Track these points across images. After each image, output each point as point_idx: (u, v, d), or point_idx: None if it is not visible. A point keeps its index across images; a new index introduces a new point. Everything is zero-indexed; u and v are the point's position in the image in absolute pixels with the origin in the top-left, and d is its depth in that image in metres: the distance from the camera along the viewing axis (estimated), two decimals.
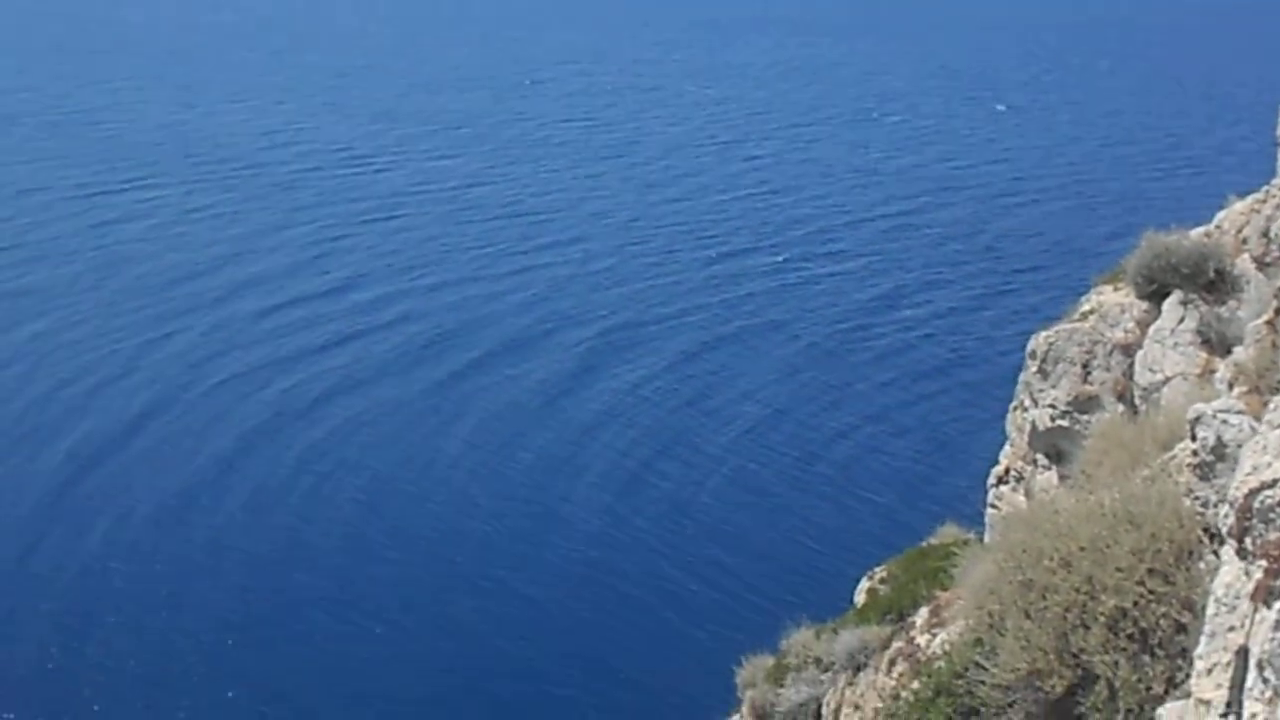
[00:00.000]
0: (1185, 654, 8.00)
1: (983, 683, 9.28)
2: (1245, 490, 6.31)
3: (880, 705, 13.97)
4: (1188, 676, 7.32)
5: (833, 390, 69.54)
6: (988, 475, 19.57)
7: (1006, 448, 19.07)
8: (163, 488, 58.90)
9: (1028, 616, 8.90)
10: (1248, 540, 6.30)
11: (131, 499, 57.89)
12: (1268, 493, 6.20)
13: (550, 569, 55.39)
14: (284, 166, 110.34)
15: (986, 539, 17.34)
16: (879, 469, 61.81)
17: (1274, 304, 10.88)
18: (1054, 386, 17.72)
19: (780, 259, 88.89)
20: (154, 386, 68.43)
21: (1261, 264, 15.50)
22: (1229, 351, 14.53)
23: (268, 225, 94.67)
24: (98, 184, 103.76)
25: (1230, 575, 6.51)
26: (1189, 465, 8.71)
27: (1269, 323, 10.62)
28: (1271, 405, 6.85)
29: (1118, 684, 8.28)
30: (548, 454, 63.40)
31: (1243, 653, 6.31)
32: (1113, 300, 17.66)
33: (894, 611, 16.06)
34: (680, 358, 73.74)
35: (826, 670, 16.10)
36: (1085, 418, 17.16)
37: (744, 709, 16.18)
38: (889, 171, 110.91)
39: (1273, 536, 6.12)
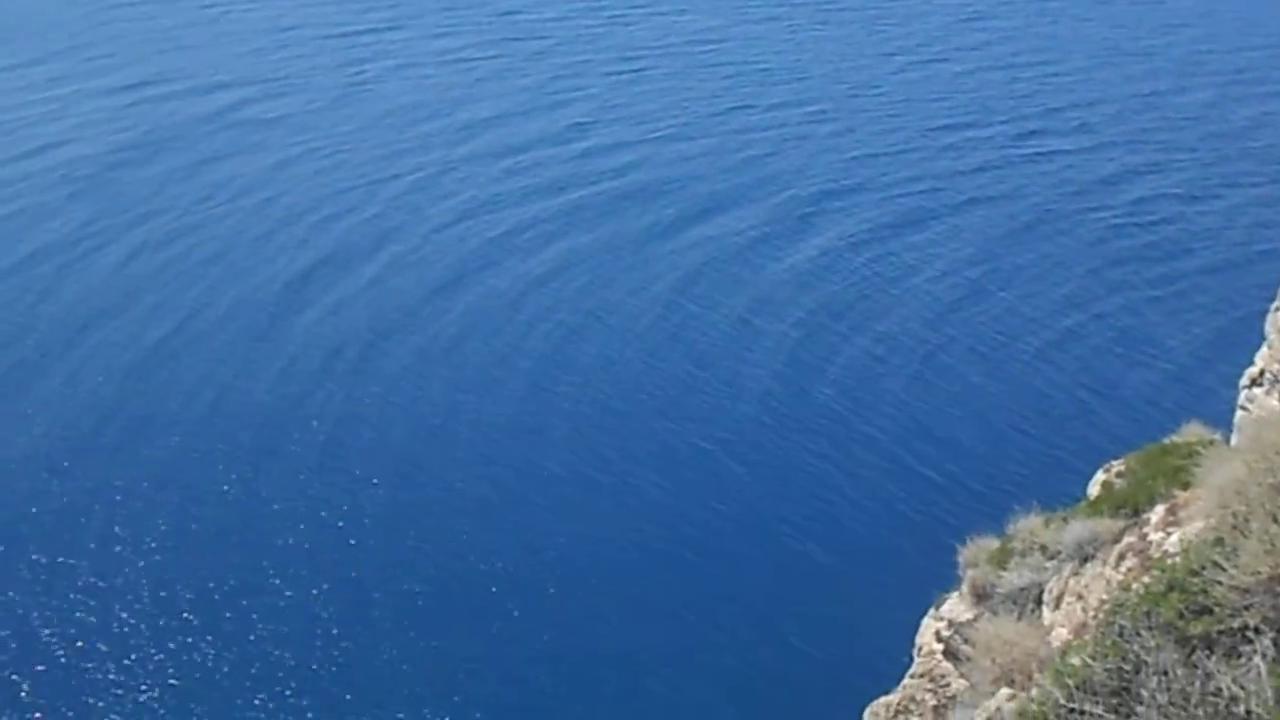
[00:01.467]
0: None
1: (1219, 583, 9.14)
2: None
3: (1105, 597, 13.86)
4: None
5: (1078, 278, 67.34)
6: (1240, 376, 18.82)
7: (1263, 349, 18.27)
8: (356, 332, 62.32)
9: (1275, 520, 8.70)
10: None
11: (337, 335, 61.70)
12: None
13: (756, 434, 56.23)
14: (527, 15, 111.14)
15: (1233, 441, 16.79)
16: (1120, 362, 59.89)
17: None
18: None
19: (1009, 133, 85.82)
20: (400, 241, 71.51)
21: None
22: None
23: (504, 69, 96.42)
24: (352, 24, 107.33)
25: None
26: None
27: None
28: None
29: None
30: (737, 318, 63.75)
31: None
32: None
33: (1128, 506, 15.78)
34: (896, 226, 72.63)
35: (1052, 558, 16.01)
36: None
37: (964, 588, 16.27)
38: (1132, 51, 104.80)
39: None
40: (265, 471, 52.56)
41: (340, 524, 49.99)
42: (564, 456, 53.94)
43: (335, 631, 44.29)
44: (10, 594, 45.61)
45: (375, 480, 52.18)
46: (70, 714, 40.31)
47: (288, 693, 42.08)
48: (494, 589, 46.97)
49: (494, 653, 43.93)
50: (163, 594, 45.72)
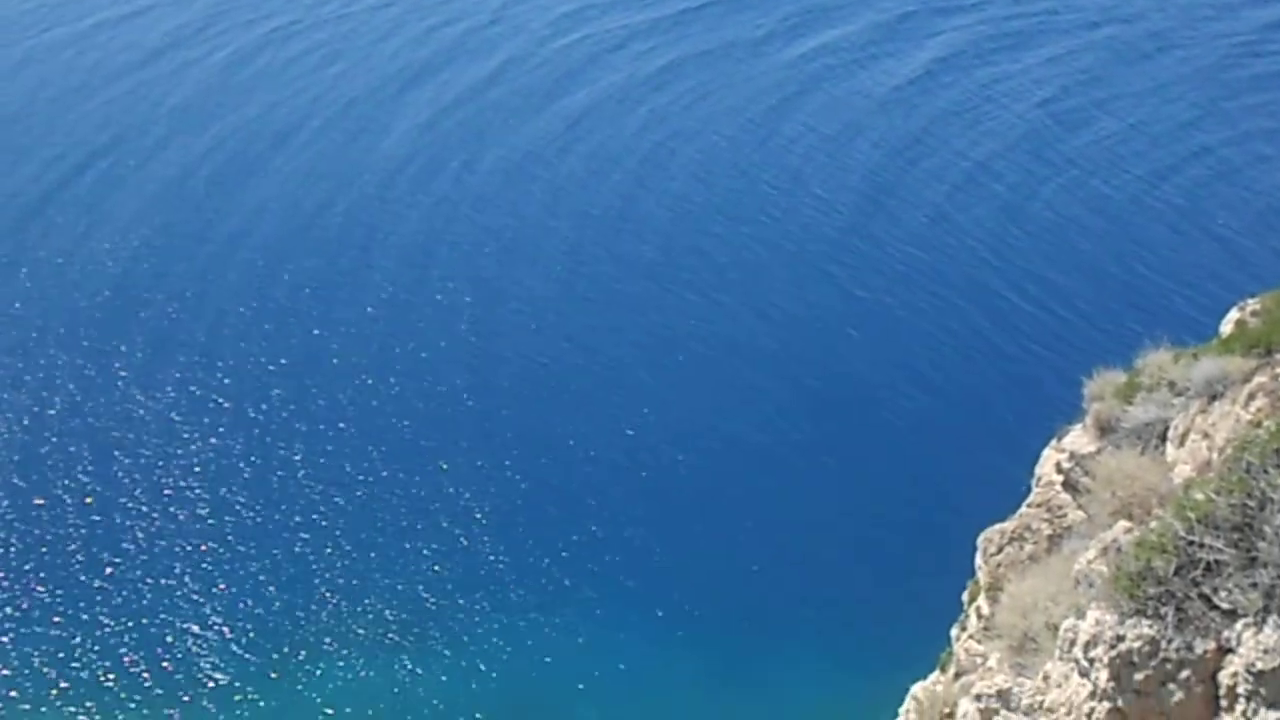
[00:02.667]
0: None
1: None
2: None
3: (1233, 435, 13.81)
4: None
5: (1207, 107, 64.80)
6: None
7: None
8: (511, 140, 62.42)
9: None
10: None
11: (481, 145, 61.96)
12: None
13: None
14: None
15: None
16: (1261, 198, 57.99)
17: None
18: None
19: None
20: (513, 40, 71.19)
21: None
22: None
23: None
24: None
25: None
26: None
27: None
28: None
29: None
30: (887, 144, 62.64)
31: None
32: None
33: (1261, 345, 15.54)
34: (1009, 46, 70.28)
35: (1179, 395, 15.90)
36: None
37: (1088, 420, 16.27)
38: None
39: None
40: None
41: (431, 338, 51.80)
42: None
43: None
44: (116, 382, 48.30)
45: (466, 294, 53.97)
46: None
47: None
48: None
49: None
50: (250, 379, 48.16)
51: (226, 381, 50.88)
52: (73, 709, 39.43)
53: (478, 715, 40.41)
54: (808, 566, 44.98)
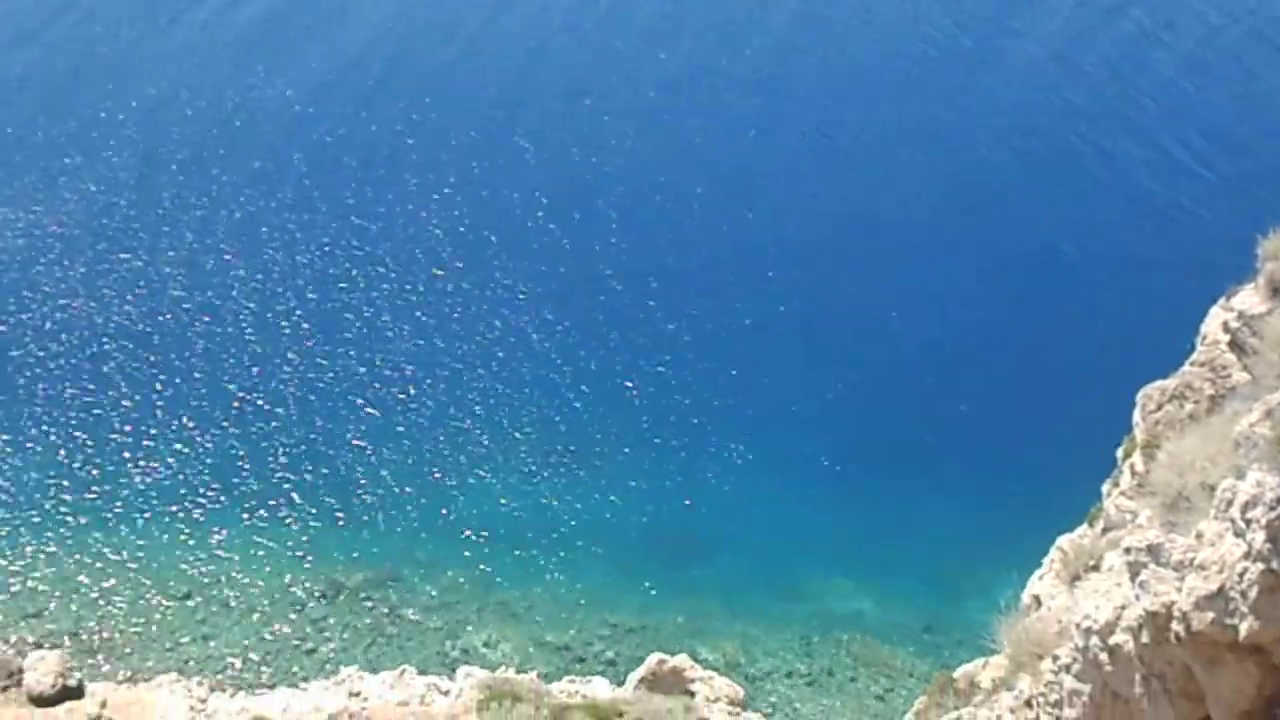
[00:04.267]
0: None
1: None
2: None
3: None
4: None
5: None
6: None
7: None
8: None
9: None
10: None
11: None
12: None
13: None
14: None
15: None
16: None
17: None
18: None
19: None
20: None
21: None
22: None
23: None
24: None
25: None
26: None
27: None
28: None
29: None
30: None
31: None
32: None
33: None
34: None
35: None
36: None
37: (1260, 280, 15.84)
38: None
39: None
40: None
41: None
42: None
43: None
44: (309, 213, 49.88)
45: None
46: None
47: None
48: None
49: None
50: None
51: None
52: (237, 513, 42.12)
53: (622, 533, 42.22)
54: (962, 422, 45.19)
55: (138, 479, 43.90)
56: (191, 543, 42.08)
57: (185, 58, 66.88)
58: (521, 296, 51.64)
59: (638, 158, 59.51)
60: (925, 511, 43.59)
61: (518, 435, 45.83)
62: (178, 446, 45.06)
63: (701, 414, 46.97)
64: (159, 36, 69.10)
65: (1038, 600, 17.66)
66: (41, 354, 48.38)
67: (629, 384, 47.96)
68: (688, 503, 43.86)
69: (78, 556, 41.43)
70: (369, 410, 46.61)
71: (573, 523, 43.11)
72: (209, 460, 44.68)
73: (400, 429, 45.96)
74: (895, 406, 47.52)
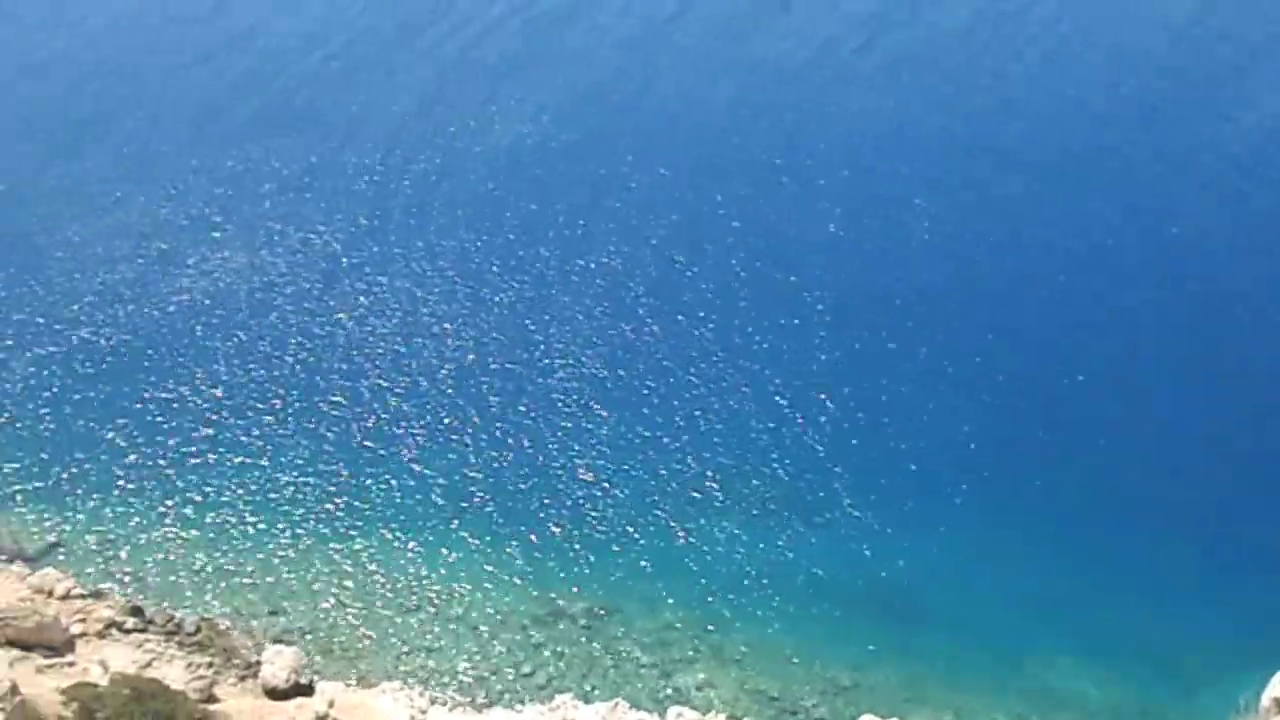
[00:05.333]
0: None
1: None
2: None
3: None
4: None
5: None
6: None
7: None
8: None
9: None
10: None
11: None
12: None
13: None
14: None
15: None
16: None
17: None
18: None
19: None
20: None
21: None
22: None
23: None
24: None
25: None
26: None
27: None
28: None
29: None
30: None
31: None
32: None
33: None
34: None
35: None
36: None
37: None
38: None
39: None
40: None
41: None
42: None
43: None
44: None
45: None
46: None
47: None
48: None
49: None
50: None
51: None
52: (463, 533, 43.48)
53: (843, 589, 41.84)
54: (1219, 490, 43.38)
55: (380, 494, 45.87)
56: (424, 558, 43.68)
57: (424, 91, 70.23)
58: (764, 345, 51.96)
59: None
60: (1164, 586, 41.74)
61: (752, 483, 46.00)
62: (417, 467, 46.88)
63: (930, 472, 46.26)
64: (400, 73, 72.65)
65: None
66: (300, 369, 51.19)
67: (858, 440, 47.62)
68: (902, 563, 43.22)
69: (320, 561, 43.52)
70: (603, 445, 47.56)
71: (795, 574, 42.94)
72: (447, 480, 46.32)
73: (632, 466, 46.73)
74: (1143, 468, 45.81)
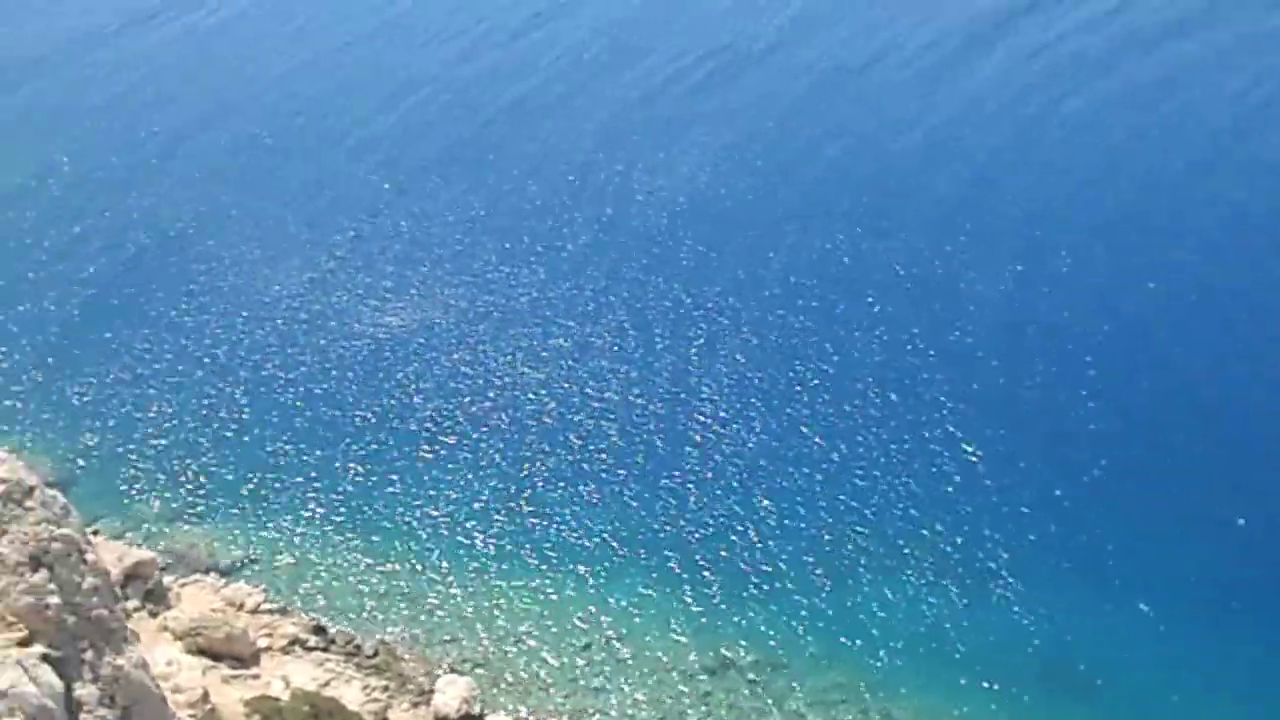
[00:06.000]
0: None
1: None
2: None
3: None
4: None
5: None
6: None
7: None
8: None
9: None
10: None
11: None
12: None
13: None
14: None
15: None
16: None
17: None
18: None
19: None
20: None
21: None
22: None
23: None
24: None
25: None
26: None
27: None
28: None
29: None
30: None
31: None
32: None
33: None
34: None
35: None
36: None
37: None
38: None
39: None
40: None
41: None
42: None
43: None
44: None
45: None
46: None
47: None
48: None
49: None
50: None
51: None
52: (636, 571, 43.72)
53: (1009, 659, 40.71)
54: None
55: (559, 532, 46.57)
56: (598, 598, 44.10)
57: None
58: (940, 411, 51.08)
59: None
60: None
61: (924, 546, 45.14)
62: (596, 508, 47.50)
63: (1109, 548, 44.69)
64: (583, 116, 74.14)
65: None
66: (485, 407, 52.48)
67: (1031, 510, 46.33)
68: (1069, 638, 41.83)
69: (497, 594, 44.39)
70: (777, 499, 47.37)
71: (962, 642, 41.89)
72: (624, 524, 46.75)
73: (805, 521, 46.39)
74: None
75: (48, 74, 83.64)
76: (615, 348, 55.36)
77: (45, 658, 21.03)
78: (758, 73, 78.41)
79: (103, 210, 67.77)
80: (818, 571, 44.54)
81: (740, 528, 46.31)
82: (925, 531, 45.71)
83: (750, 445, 49.72)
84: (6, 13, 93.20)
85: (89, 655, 22.19)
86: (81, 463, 49.55)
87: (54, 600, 21.90)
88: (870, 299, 57.42)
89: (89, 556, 23.44)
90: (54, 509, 23.12)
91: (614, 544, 46.03)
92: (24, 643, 21.14)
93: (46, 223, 66.86)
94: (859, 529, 45.96)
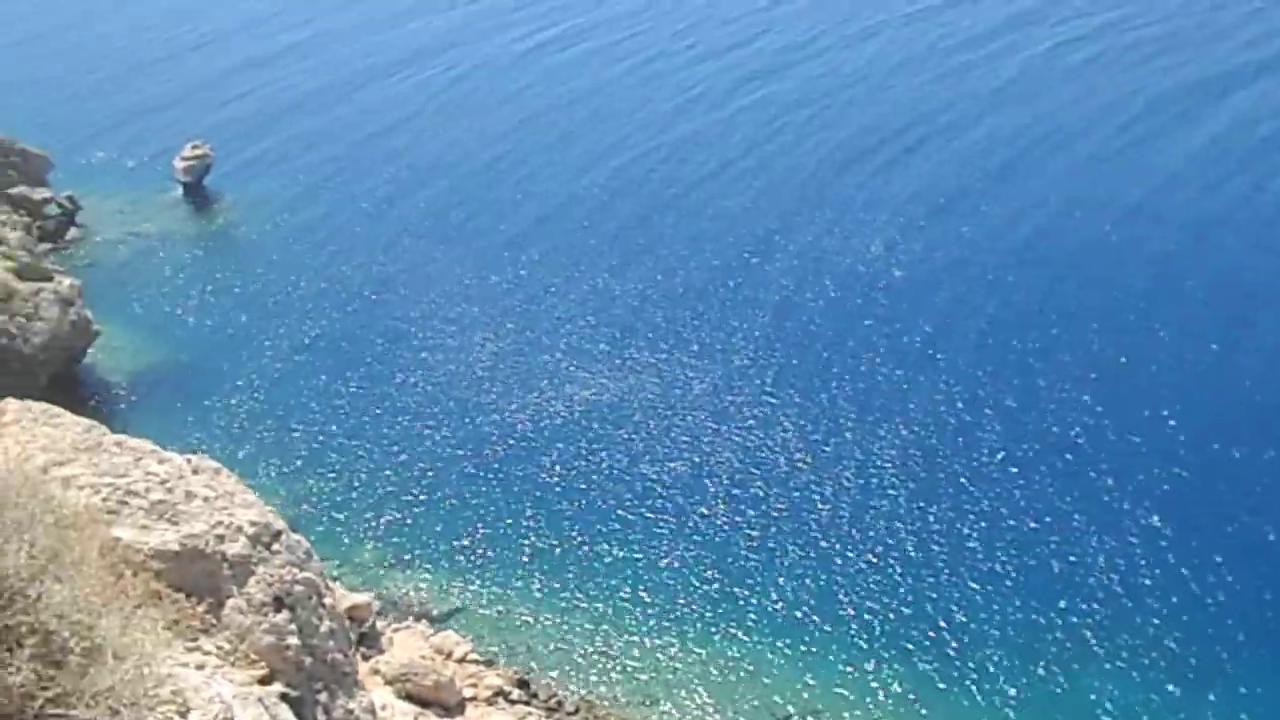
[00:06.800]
0: None
1: None
2: None
3: None
4: None
5: None
6: None
7: None
8: None
9: None
10: None
11: None
12: None
13: None
14: None
15: None
16: None
17: None
18: None
19: None
20: None
21: None
22: None
23: None
24: None
25: None
26: None
27: None
28: None
29: None
30: None
31: None
32: None
33: None
34: None
35: None
36: None
37: None
38: None
39: None
40: None
41: None
42: None
43: None
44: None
45: None
46: None
47: None
48: None
49: None
50: None
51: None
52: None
53: None
54: None
55: (762, 601, 46.43)
56: (798, 669, 43.70)
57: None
58: (1150, 499, 49.33)
59: None
60: None
61: (1132, 633, 43.45)
62: (796, 579, 47.17)
63: None
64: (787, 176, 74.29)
65: None
66: (690, 474, 52.80)
67: (1247, 594, 44.20)
68: None
69: (698, 658, 44.40)
70: (977, 579, 46.31)
71: None
72: (829, 597, 46.35)
73: (1009, 604, 45.17)
74: None
75: (289, 125, 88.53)
76: (830, 420, 55.32)
77: (284, 697, 21.86)
78: (962, 139, 77.87)
79: (326, 264, 70.97)
80: (1023, 655, 43.18)
81: (943, 606, 45.34)
82: (1136, 620, 43.95)
83: (947, 532, 48.77)
84: (264, 68, 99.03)
85: (323, 697, 23.03)
86: (305, 507, 51.52)
87: (294, 641, 22.81)
88: (1068, 370, 56.19)
89: (327, 601, 24.39)
90: (298, 553, 24.15)
91: (820, 618, 45.59)
92: (264, 680, 22.04)
93: (276, 272, 70.40)
94: (1065, 613, 44.47)
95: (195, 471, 23.82)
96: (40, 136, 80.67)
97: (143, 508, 22.86)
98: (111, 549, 22.11)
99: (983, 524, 48.66)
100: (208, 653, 21.67)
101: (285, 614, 22.93)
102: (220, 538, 22.44)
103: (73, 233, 75.68)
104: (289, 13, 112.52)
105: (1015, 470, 51.13)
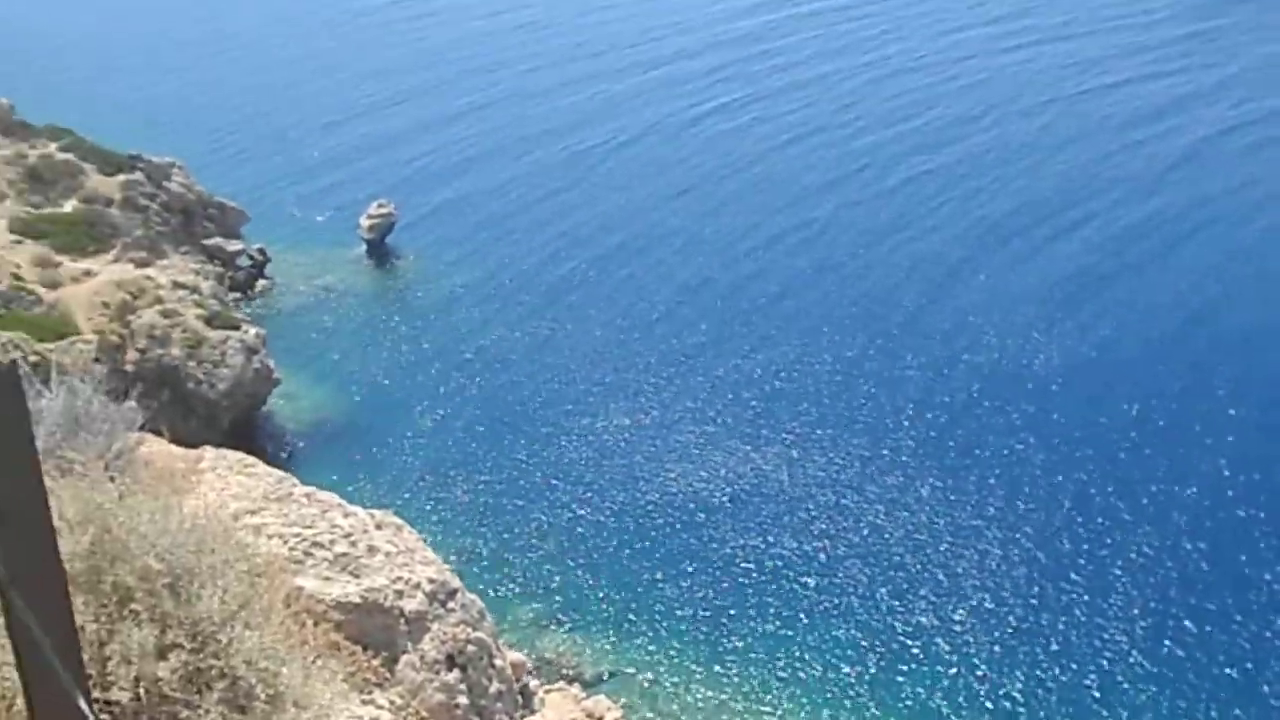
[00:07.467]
0: None
1: None
2: None
3: None
4: None
5: None
6: None
7: None
8: None
9: None
10: None
11: None
12: None
13: None
14: None
15: None
16: None
17: None
18: None
19: None
20: None
21: None
22: None
23: None
24: None
25: None
26: None
27: None
28: None
29: None
30: None
31: None
32: None
33: None
34: None
35: None
36: None
37: None
38: None
39: None
40: None
41: None
42: None
43: None
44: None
45: None
46: None
47: None
48: None
49: None
50: None
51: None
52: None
53: None
54: None
55: (920, 690, 45.74)
56: None
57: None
58: None
59: None
60: None
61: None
62: (959, 668, 46.37)
63: None
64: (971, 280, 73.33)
65: None
66: (867, 563, 52.39)
67: None
68: None
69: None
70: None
71: None
72: (977, 687, 45.46)
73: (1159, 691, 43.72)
74: None
75: (466, 182, 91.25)
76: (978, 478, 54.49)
77: None
78: (1122, 220, 76.59)
79: (493, 323, 72.75)
80: None
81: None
82: None
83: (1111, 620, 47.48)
84: (448, 126, 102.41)
85: None
86: (467, 562, 52.55)
87: (463, 700, 23.33)
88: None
89: (498, 662, 24.91)
90: (472, 612, 24.75)
91: (980, 706, 44.74)
92: None
93: (449, 331, 72.36)
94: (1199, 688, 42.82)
95: (379, 526, 24.62)
96: (233, 187, 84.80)
97: (327, 559, 23.73)
98: (295, 598, 23.03)
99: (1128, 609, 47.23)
100: (381, 706, 22.36)
101: (456, 673, 23.47)
102: (399, 593, 23.13)
103: (261, 284, 78.98)
104: (475, 74, 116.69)
105: (1178, 575, 49.60)
